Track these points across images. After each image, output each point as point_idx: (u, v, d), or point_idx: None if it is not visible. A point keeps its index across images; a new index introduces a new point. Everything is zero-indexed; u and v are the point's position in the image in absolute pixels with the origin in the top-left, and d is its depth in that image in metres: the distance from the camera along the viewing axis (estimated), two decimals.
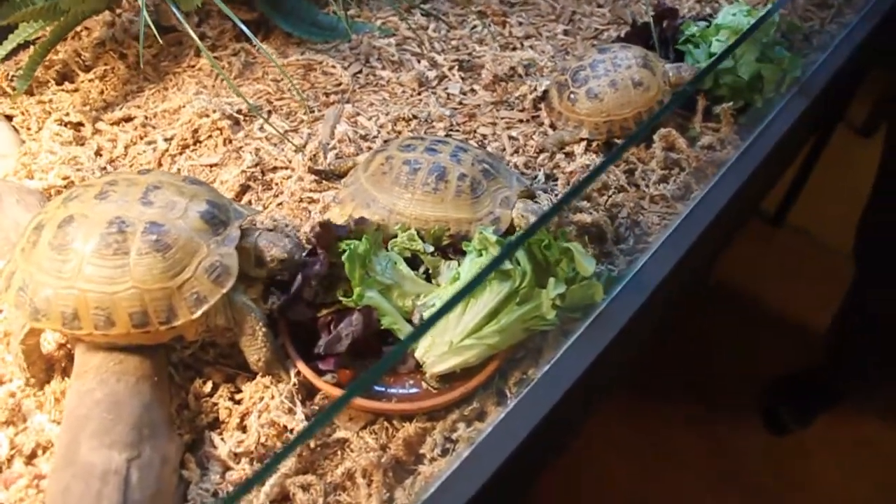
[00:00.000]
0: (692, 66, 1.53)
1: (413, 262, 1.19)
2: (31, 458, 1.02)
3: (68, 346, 1.12)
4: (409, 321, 1.12)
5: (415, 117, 1.53)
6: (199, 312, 1.00)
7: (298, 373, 1.08)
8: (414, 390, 1.09)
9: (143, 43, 1.46)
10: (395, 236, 1.20)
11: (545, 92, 1.58)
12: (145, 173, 1.08)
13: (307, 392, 1.10)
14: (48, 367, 1.10)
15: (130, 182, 1.04)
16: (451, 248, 1.21)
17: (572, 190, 0.94)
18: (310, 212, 1.34)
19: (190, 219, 1.02)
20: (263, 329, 1.06)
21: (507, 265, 1.07)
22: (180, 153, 1.46)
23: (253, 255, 1.08)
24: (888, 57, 2.12)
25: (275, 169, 1.43)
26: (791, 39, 1.70)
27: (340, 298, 1.12)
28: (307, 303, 1.11)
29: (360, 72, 1.65)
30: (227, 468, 1.01)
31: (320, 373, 1.07)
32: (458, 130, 1.53)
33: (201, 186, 1.09)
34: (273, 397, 1.07)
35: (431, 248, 1.19)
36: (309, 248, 1.16)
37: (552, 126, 1.54)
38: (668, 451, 2.30)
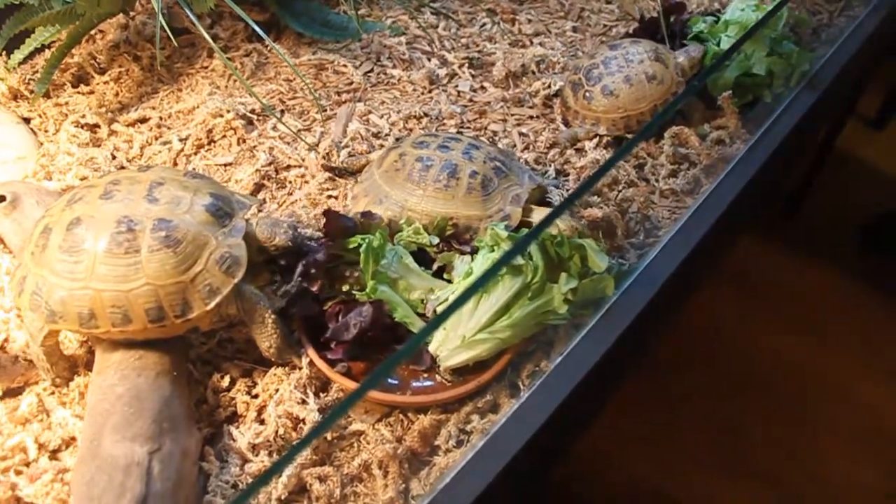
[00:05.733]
0: (699, 46, 1.54)
1: (421, 257, 1.20)
2: (55, 453, 1.04)
3: (89, 343, 1.14)
4: (420, 315, 1.14)
5: (426, 115, 1.54)
6: (213, 304, 1.02)
7: (311, 362, 1.10)
8: (428, 383, 1.11)
9: (159, 45, 1.49)
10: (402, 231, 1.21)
11: (559, 90, 1.59)
12: (145, 170, 1.09)
13: (321, 384, 1.12)
14: (71, 366, 1.12)
15: (133, 180, 1.05)
16: (455, 238, 1.22)
17: (583, 185, 0.95)
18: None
19: (196, 213, 1.04)
20: (273, 316, 1.08)
21: (520, 260, 1.08)
22: (195, 153, 1.48)
23: (254, 244, 1.10)
24: None
25: (288, 167, 1.45)
26: (799, 33, 1.71)
27: (354, 293, 1.13)
28: (314, 297, 1.13)
29: (372, 70, 1.67)
30: (246, 460, 1.03)
31: (331, 363, 1.09)
32: (468, 127, 1.54)
33: (203, 180, 1.11)
34: (287, 388, 1.09)
35: (437, 240, 1.21)
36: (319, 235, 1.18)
37: (565, 122, 1.55)
38: (683, 445, 2.30)
